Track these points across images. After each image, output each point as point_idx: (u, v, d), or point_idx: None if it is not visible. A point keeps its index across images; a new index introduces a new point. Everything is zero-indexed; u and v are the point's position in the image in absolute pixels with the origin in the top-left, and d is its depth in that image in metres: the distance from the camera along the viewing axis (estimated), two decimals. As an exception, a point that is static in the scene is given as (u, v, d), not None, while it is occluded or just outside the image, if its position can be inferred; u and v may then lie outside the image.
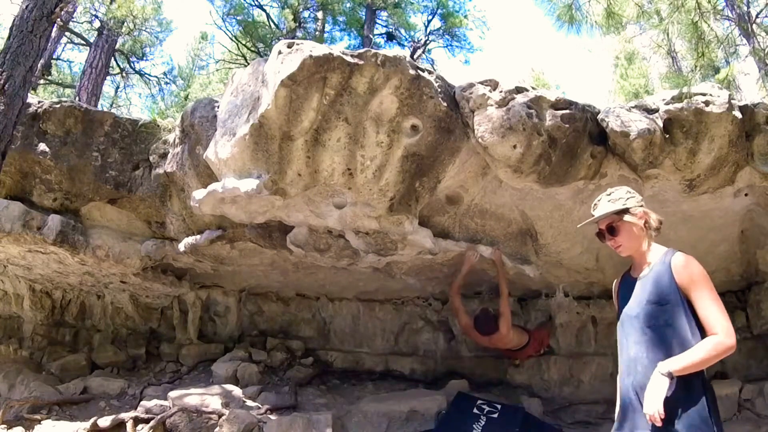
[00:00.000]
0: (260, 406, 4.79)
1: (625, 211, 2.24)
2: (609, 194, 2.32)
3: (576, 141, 3.66)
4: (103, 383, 5.43)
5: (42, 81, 12.05)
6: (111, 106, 14.93)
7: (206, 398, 4.71)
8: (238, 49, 13.75)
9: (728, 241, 4.77)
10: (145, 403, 4.73)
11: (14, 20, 4.43)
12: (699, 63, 4.52)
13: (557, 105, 3.62)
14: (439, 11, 15.18)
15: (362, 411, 4.66)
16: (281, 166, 3.51)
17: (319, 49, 3.17)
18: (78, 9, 10.90)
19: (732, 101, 3.64)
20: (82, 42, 12.24)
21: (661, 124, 3.61)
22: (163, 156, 4.74)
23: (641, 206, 2.27)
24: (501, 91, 3.54)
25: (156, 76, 14.37)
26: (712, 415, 1.96)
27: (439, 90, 3.47)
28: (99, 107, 9.62)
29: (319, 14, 14.30)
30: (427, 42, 15.45)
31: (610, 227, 2.29)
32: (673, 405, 1.95)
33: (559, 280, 5.27)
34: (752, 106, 3.79)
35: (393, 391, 5.36)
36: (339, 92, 3.30)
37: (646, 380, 2.02)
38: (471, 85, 3.58)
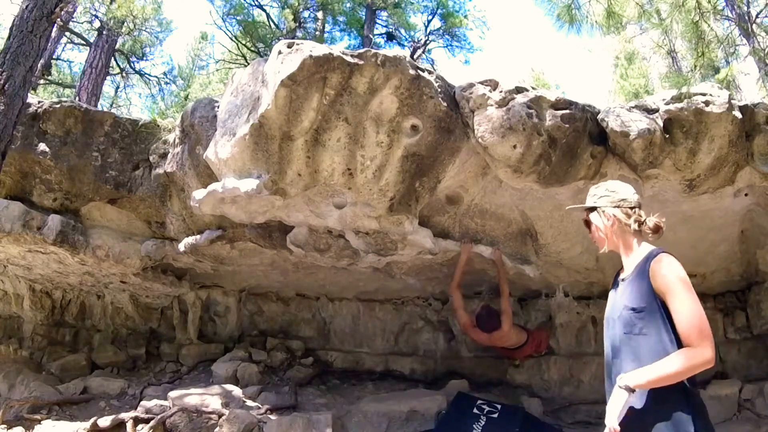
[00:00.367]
0: (260, 406, 4.79)
1: (593, 209, 2.23)
2: (597, 187, 2.29)
3: (576, 141, 3.66)
4: (103, 383, 5.43)
5: (42, 81, 12.05)
6: (111, 106, 14.93)
7: (206, 398, 4.71)
8: (238, 49, 13.75)
9: (728, 241, 4.77)
10: (145, 403, 4.73)
11: (14, 20, 4.43)
12: (699, 63, 4.52)
13: (557, 105, 3.62)
14: (439, 11, 15.18)
15: (362, 411, 4.66)
16: (281, 166, 3.51)
17: (319, 49, 3.17)
18: (78, 9, 10.90)
19: (732, 101, 3.64)
20: (82, 42, 12.24)
21: (661, 124, 3.61)
22: (163, 156, 4.74)
23: (616, 207, 2.16)
24: (501, 91, 3.54)
25: (156, 76, 14.38)
26: (697, 428, 1.83)
27: (439, 90, 3.47)
28: (99, 107, 9.62)
29: (319, 14, 14.30)
30: (427, 42, 15.46)
31: (586, 220, 2.31)
32: (642, 418, 1.86)
33: (559, 280, 5.27)
34: (752, 106, 3.79)
35: (393, 391, 5.36)
36: (339, 92, 3.30)
37: None
38: (471, 85, 3.58)
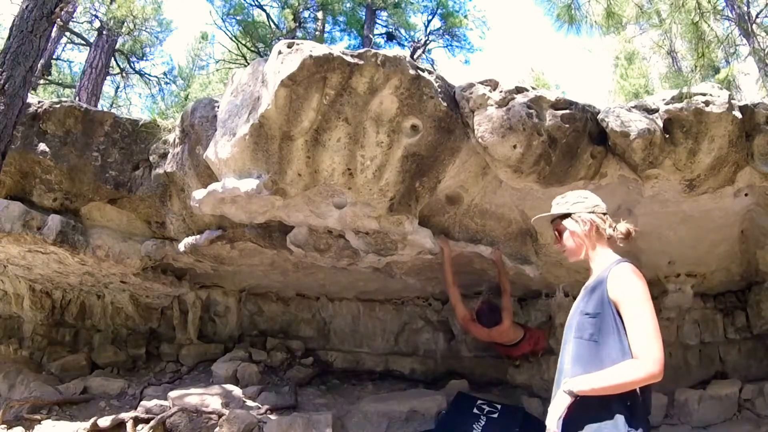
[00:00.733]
0: (260, 406, 4.79)
1: (568, 215, 2.16)
2: (563, 196, 2.24)
3: (576, 141, 3.66)
4: (103, 383, 5.43)
5: (42, 81, 12.05)
6: (111, 106, 14.92)
7: (206, 398, 4.71)
8: (238, 49, 13.75)
9: (728, 241, 4.77)
10: (145, 403, 4.73)
11: (14, 20, 4.43)
12: (699, 63, 4.52)
13: (557, 105, 3.62)
14: (439, 11, 15.18)
15: (362, 411, 4.66)
16: (281, 166, 3.51)
17: (319, 49, 3.17)
18: (78, 9, 10.90)
19: (732, 101, 3.64)
20: (82, 42, 12.24)
21: (661, 124, 3.61)
22: (163, 156, 4.74)
23: (591, 213, 2.14)
24: (501, 91, 3.55)
25: (156, 76, 14.38)
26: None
27: (439, 90, 3.46)
28: (99, 107, 9.60)
29: (319, 14, 14.29)
30: (427, 42, 15.45)
31: (557, 229, 2.24)
32: (578, 424, 1.81)
33: (559, 280, 5.27)
34: (752, 106, 3.79)
35: (393, 391, 5.37)
36: (339, 92, 3.30)
37: None
38: (471, 85, 3.58)
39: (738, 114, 3.62)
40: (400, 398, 4.90)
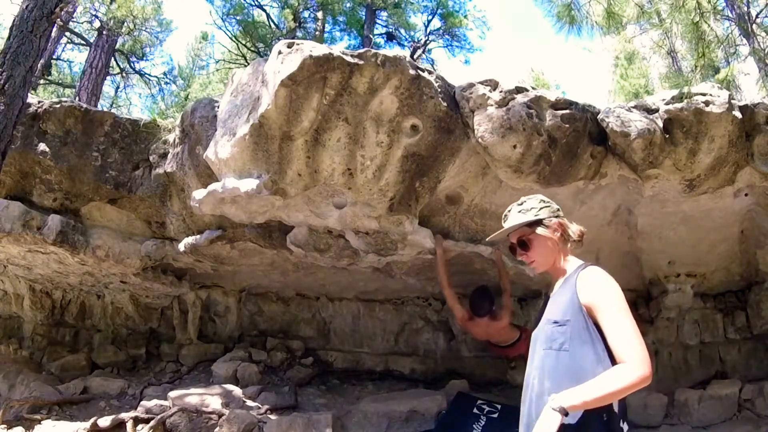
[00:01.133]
0: (260, 406, 4.79)
1: (537, 222, 2.00)
2: (521, 203, 2.07)
3: (576, 141, 3.66)
4: (103, 383, 5.43)
5: (42, 81, 12.06)
6: (111, 106, 14.93)
7: (206, 398, 4.71)
8: (238, 49, 13.76)
9: (728, 241, 4.77)
10: (145, 403, 4.73)
11: (14, 20, 4.43)
12: (699, 63, 4.52)
13: (557, 105, 3.62)
14: (439, 11, 15.19)
15: (362, 411, 4.66)
16: (281, 166, 3.51)
17: (319, 49, 3.17)
18: (78, 9, 10.91)
19: (732, 101, 3.64)
20: (82, 42, 12.25)
21: (661, 124, 3.61)
22: (163, 156, 4.74)
23: (557, 216, 2.01)
24: (501, 91, 3.55)
25: (156, 76, 14.40)
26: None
27: (439, 90, 3.47)
28: (99, 107, 9.61)
29: (319, 14, 14.30)
30: (427, 42, 15.46)
31: (522, 241, 2.04)
32: None
33: (559, 281, 5.26)
34: (752, 106, 3.79)
35: (393, 391, 5.36)
36: (339, 92, 3.30)
37: (534, 411, 1.76)
38: (471, 85, 3.58)
39: (738, 114, 3.62)
40: (400, 398, 4.89)
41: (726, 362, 5.53)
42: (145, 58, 13.93)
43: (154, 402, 4.74)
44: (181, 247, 4.83)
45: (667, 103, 3.68)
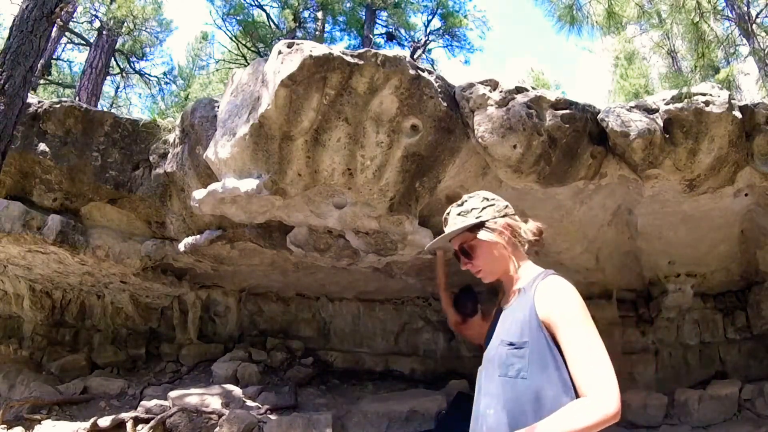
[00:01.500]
0: (260, 406, 4.79)
1: (479, 226, 1.67)
2: (460, 204, 1.77)
3: (576, 141, 3.66)
4: (103, 383, 5.43)
5: (42, 81, 12.05)
6: (111, 106, 14.93)
7: (206, 398, 4.71)
8: (238, 49, 13.76)
9: (728, 241, 4.77)
10: (145, 403, 4.73)
11: (14, 20, 4.43)
12: (699, 63, 4.52)
13: (557, 105, 3.62)
14: (439, 11, 15.19)
15: (362, 411, 4.66)
16: (281, 166, 3.50)
17: (319, 49, 3.17)
18: (78, 9, 10.90)
19: (732, 101, 3.64)
20: (82, 42, 12.25)
21: (661, 124, 3.61)
22: (163, 156, 4.74)
23: (504, 216, 1.69)
24: (501, 91, 3.54)
25: (156, 76, 14.39)
26: None
27: (439, 90, 3.46)
28: (99, 107, 9.62)
29: (319, 14, 14.30)
30: (427, 42, 15.46)
31: (463, 248, 1.73)
32: None
33: (559, 280, 5.26)
34: (752, 106, 3.79)
35: (393, 391, 5.37)
36: (339, 92, 3.30)
37: None
38: (471, 85, 3.58)
39: (738, 114, 3.63)
40: (400, 398, 4.90)
41: (726, 362, 5.53)
42: (145, 58, 13.93)
43: (154, 402, 4.74)
44: (181, 247, 4.83)
45: (667, 103, 3.68)
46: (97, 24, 11.38)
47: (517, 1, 42.70)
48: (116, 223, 5.15)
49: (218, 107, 4.01)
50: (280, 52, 3.28)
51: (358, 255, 4.32)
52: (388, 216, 3.79)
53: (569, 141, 3.63)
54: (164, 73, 14.97)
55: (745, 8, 5.96)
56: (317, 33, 13.93)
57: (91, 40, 11.52)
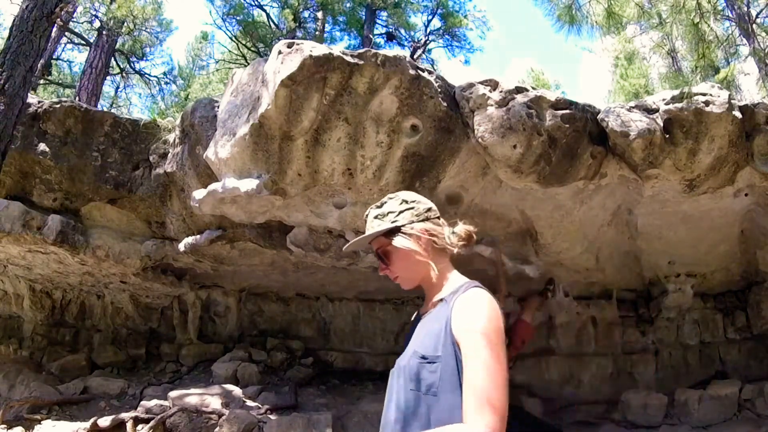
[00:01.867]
0: (260, 406, 4.79)
1: (395, 231, 1.54)
2: (379, 206, 1.62)
3: (576, 141, 3.66)
4: (103, 383, 5.43)
5: (42, 81, 12.05)
6: (111, 106, 14.92)
7: (206, 398, 4.71)
8: (238, 49, 13.76)
9: (728, 241, 4.77)
10: (145, 403, 4.73)
11: (14, 20, 4.43)
12: (699, 63, 4.52)
13: (557, 105, 3.62)
14: (439, 11, 15.18)
15: (362, 411, 4.66)
16: (281, 166, 3.50)
17: (319, 49, 3.17)
18: (78, 9, 10.89)
19: (732, 101, 3.64)
20: (82, 42, 12.25)
21: (661, 124, 3.61)
22: (163, 156, 4.74)
23: (424, 220, 1.55)
24: (501, 91, 3.54)
25: (156, 76, 14.39)
26: None
27: (439, 90, 3.46)
28: (99, 107, 9.62)
29: (319, 14, 14.30)
30: (427, 42, 15.46)
31: (378, 253, 1.61)
32: None
33: (559, 280, 5.27)
34: (752, 106, 3.79)
35: (393, 391, 5.36)
36: (339, 92, 3.30)
37: None
38: (471, 85, 3.58)
39: (738, 114, 3.62)
40: (400, 398, 4.89)
41: (726, 362, 5.53)
42: (145, 58, 13.93)
43: (154, 402, 4.74)
44: (181, 247, 4.83)
45: (667, 103, 3.68)
46: (97, 24, 11.38)
47: (517, 1, 42.71)
48: (116, 223, 5.15)
49: (218, 107, 4.01)
50: (280, 52, 3.28)
51: (358, 255, 4.32)
52: (388, 216, 3.78)
53: (569, 141, 3.63)
54: (164, 73, 14.98)
55: (745, 8, 5.96)
56: (317, 33, 13.93)
57: (91, 40, 11.52)
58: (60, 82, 14.52)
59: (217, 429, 4.29)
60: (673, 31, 4.83)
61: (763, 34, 5.88)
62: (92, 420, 4.49)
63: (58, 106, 4.80)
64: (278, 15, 13.77)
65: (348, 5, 14.45)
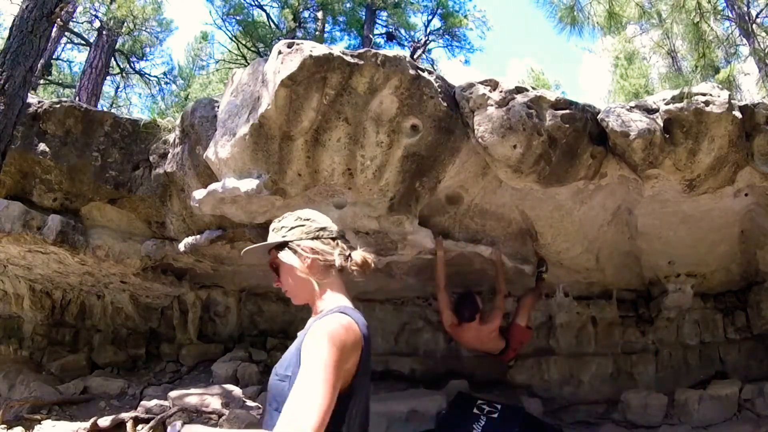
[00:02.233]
0: (260, 406, 4.79)
1: (283, 246, 1.58)
2: (279, 220, 1.65)
3: (576, 141, 3.66)
4: (103, 383, 5.43)
5: (42, 81, 12.05)
6: (111, 106, 14.92)
7: (206, 398, 4.70)
8: (238, 49, 13.76)
9: (728, 241, 4.77)
10: (145, 403, 4.73)
11: (14, 20, 4.43)
12: (699, 63, 4.52)
13: (557, 105, 3.62)
14: (439, 11, 15.18)
15: (362, 411, 4.65)
16: (281, 166, 3.51)
17: (319, 49, 3.17)
18: (78, 9, 10.90)
19: (732, 101, 3.64)
20: (82, 42, 12.26)
21: (662, 124, 3.61)
22: (163, 156, 4.74)
23: (313, 238, 1.57)
24: (501, 91, 3.55)
25: (156, 76, 14.39)
26: None
27: (439, 90, 3.47)
28: (99, 107, 9.62)
29: (319, 14, 14.30)
30: (427, 42, 15.45)
31: (271, 265, 1.65)
32: None
33: (559, 280, 5.27)
34: (752, 106, 3.79)
35: (393, 391, 5.36)
36: (339, 92, 3.30)
37: None
38: (471, 85, 3.59)
39: (738, 114, 3.62)
40: (400, 398, 4.89)
41: (726, 362, 5.53)
42: (145, 58, 13.94)
43: (154, 402, 4.74)
44: (181, 247, 4.83)
45: (667, 103, 3.68)
46: (97, 24, 11.38)
47: (517, 1, 42.71)
48: (116, 223, 5.15)
49: (218, 107, 4.01)
50: (280, 52, 3.28)
51: (358, 255, 4.31)
52: (388, 216, 3.79)
53: (569, 141, 3.63)
54: (164, 73, 14.99)
55: (745, 8, 5.96)
56: (317, 33, 13.93)
57: (91, 40, 11.52)
58: (60, 82, 14.52)
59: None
60: (672, 31, 4.83)
61: (763, 34, 5.88)
62: (92, 420, 4.49)
63: (58, 106, 4.80)
64: (278, 15, 13.77)
65: (348, 5, 14.45)
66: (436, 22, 15.47)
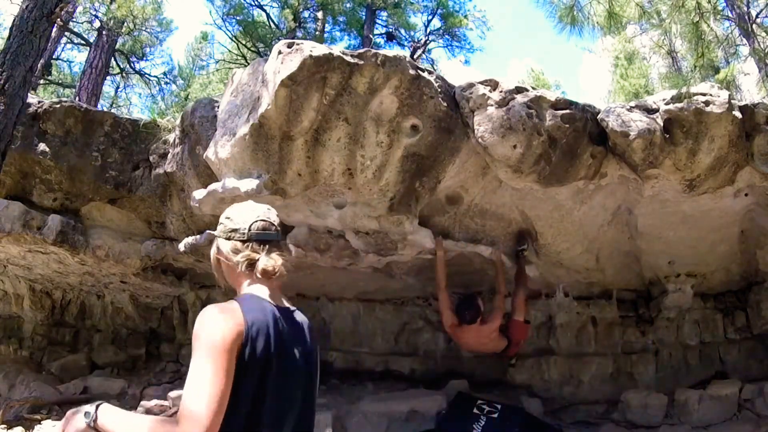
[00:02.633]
0: (260, 406, 4.79)
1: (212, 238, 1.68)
2: (227, 211, 1.74)
3: (576, 141, 3.66)
4: (103, 383, 5.43)
5: (42, 81, 12.05)
6: (111, 106, 14.92)
7: (206, 398, 4.70)
8: (238, 49, 13.76)
9: (728, 241, 4.77)
10: (145, 403, 4.73)
11: (14, 20, 4.43)
12: (699, 63, 4.52)
13: (557, 105, 3.62)
14: (439, 11, 15.17)
15: (362, 411, 4.66)
16: (281, 166, 3.51)
17: (319, 49, 3.17)
18: (78, 9, 10.90)
19: (732, 101, 3.64)
20: (82, 42, 12.26)
21: (661, 124, 3.61)
22: (163, 156, 4.74)
23: (226, 238, 1.61)
24: (501, 91, 3.55)
25: (156, 76, 14.39)
26: None
27: (439, 90, 3.47)
28: (99, 107, 9.62)
29: (319, 14, 14.30)
30: (427, 42, 15.45)
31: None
32: None
33: (559, 280, 5.27)
34: (752, 106, 3.79)
35: (393, 391, 5.36)
36: (339, 92, 3.30)
37: None
38: (471, 85, 3.58)
39: (738, 114, 3.62)
40: (400, 398, 4.89)
41: (726, 362, 5.53)
42: (145, 58, 13.95)
43: (154, 402, 4.75)
44: (181, 247, 4.83)
45: (667, 103, 3.68)
46: (97, 24, 11.38)
47: (517, 1, 42.72)
48: (116, 223, 5.15)
49: (218, 107, 4.01)
50: (280, 52, 3.28)
51: (358, 255, 4.32)
52: (388, 216, 3.79)
53: (569, 141, 3.63)
54: (164, 73, 14.99)
55: (745, 8, 5.96)
56: (317, 33, 13.93)
57: (91, 40, 11.52)
58: (60, 82, 14.52)
59: (217, 429, 4.29)
60: (672, 31, 4.83)
61: (763, 34, 5.88)
62: (92, 420, 4.49)
63: (58, 106, 4.80)
64: (278, 15, 13.77)
65: (348, 5, 14.45)
66: (436, 22, 15.48)
